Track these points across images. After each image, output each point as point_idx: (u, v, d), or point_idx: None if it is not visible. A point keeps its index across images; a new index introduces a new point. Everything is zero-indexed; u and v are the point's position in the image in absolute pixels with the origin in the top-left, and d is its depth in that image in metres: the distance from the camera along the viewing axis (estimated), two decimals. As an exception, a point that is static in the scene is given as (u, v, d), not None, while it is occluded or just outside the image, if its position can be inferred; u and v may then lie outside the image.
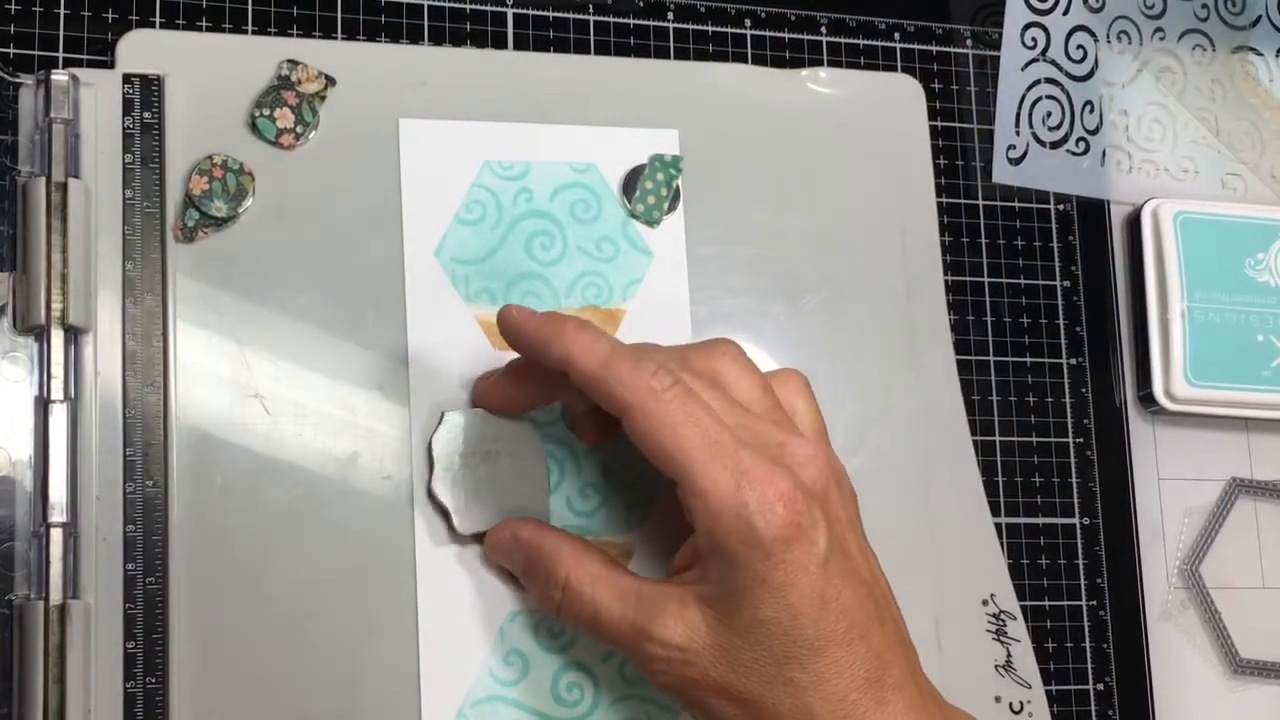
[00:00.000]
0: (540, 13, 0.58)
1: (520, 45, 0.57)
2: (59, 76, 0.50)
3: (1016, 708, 0.55)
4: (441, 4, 0.57)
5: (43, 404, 0.48)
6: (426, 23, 0.56)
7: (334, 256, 0.52)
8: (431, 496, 0.51)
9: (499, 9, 0.57)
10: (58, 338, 0.48)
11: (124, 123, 0.51)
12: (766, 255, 0.56)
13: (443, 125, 0.54)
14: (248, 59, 0.53)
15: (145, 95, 0.51)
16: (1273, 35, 0.66)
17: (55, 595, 0.46)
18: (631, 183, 0.55)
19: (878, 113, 0.59)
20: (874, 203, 0.58)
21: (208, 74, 0.52)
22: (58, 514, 0.47)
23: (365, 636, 0.50)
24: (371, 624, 0.50)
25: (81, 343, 0.49)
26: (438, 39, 0.56)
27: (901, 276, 0.58)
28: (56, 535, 0.47)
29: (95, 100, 0.50)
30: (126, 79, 0.51)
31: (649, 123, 0.56)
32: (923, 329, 0.58)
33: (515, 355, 0.50)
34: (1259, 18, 0.66)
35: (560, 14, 0.58)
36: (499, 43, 0.57)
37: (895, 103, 0.60)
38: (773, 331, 0.56)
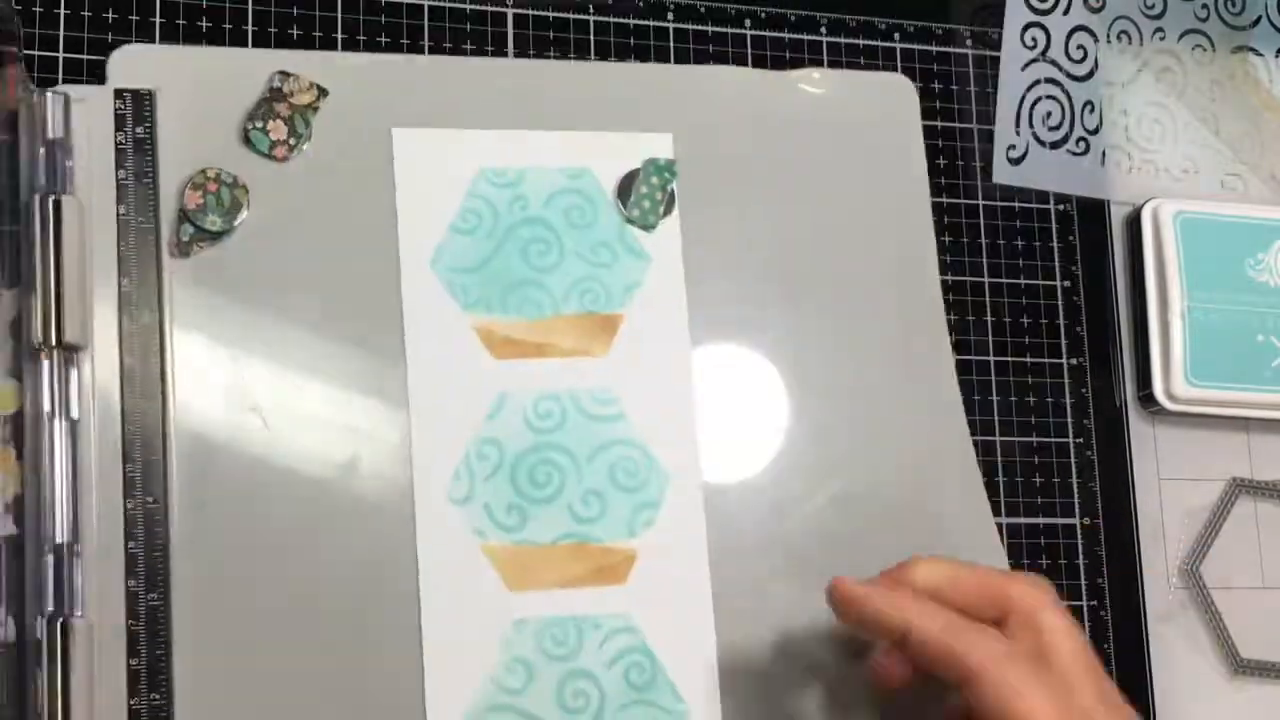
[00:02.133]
0: (540, 13, 0.57)
1: (520, 45, 0.57)
2: (51, 95, 0.49)
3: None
4: (441, 4, 0.56)
5: (42, 422, 0.47)
6: (426, 23, 0.56)
7: (330, 267, 0.52)
8: None
9: (499, 9, 0.57)
10: (55, 356, 0.48)
11: (116, 138, 0.50)
12: (763, 257, 0.56)
13: (436, 134, 0.54)
14: (239, 72, 0.52)
15: (137, 110, 0.51)
16: (1273, 35, 0.66)
17: (58, 613, 0.46)
18: (626, 187, 0.55)
19: (871, 112, 0.59)
20: (869, 202, 0.58)
21: (199, 87, 0.52)
22: (59, 532, 0.47)
23: (369, 647, 0.49)
24: (375, 634, 0.49)
25: (79, 360, 0.48)
26: (438, 39, 0.56)
27: (898, 276, 0.58)
28: (58, 553, 0.46)
29: (88, 116, 0.50)
30: (118, 94, 0.51)
31: (642, 127, 0.56)
32: (920, 327, 0.57)
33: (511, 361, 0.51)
34: (1259, 18, 0.66)
35: (560, 14, 0.57)
36: (499, 43, 0.56)
37: (888, 102, 0.59)
38: (770, 333, 0.56)
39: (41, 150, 0.49)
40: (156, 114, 0.51)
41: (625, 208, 0.55)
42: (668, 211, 0.55)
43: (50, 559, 0.46)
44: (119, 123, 0.50)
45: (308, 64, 0.53)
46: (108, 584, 0.47)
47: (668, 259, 0.55)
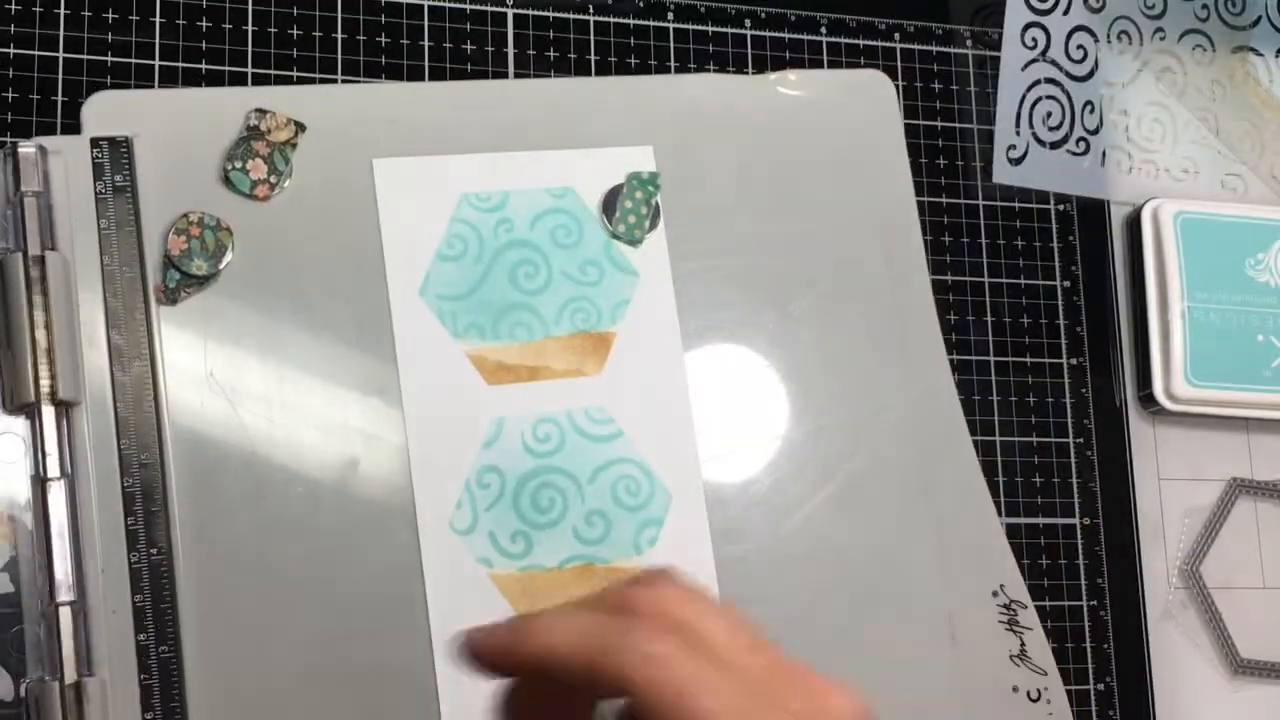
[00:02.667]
0: (540, 13, 0.57)
1: (520, 45, 0.57)
2: (26, 148, 0.48)
3: (1034, 695, 0.55)
4: (441, 4, 0.56)
5: (40, 482, 0.47)
6: (426, 23, 0.56)
7: (319, 304, 0.51)
8: None
9: (499, 9, 0.57)
10: (49, 414, 0.47)
11: (96, 188, 0.49)
12: (751, 264, 0.56)
13: (417, 162, 0.53)
14: (215, 112, 0.52)
15: (115, 158, 0.50)
16: (1273, 35, 0.66)
17: (70, 674, 0.46)
18: (610, 203, 0.55)
19: (850, 111, 0.58)
20: (853, 201, 0.58)
21: (176, 131, 0.51)
22: (65, 592, 0.46)
23: (383, 685, 0.49)
24: (388, 671, 0.49)
25: (74, 416, 0.48)
26: (438, 39, 0.56)
27: (887, 274, 0.57)
28: (65, 613, 0.46)
29: (65, 168, 0.49)
30: (94, 143, 0.50)
31: (623, 141, 0.55)
32: (911, 324, 0.57)
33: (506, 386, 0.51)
34: (1259, 18, 0.66)
35: (560, 14, 0.57)
36: (499, 42, 0.56)
37: (867, 100, 0.59)
38: (764, 340, 0.55)
39: (20, 207, 0.48)
40: (135, 160, 0.50)
41: (610, 224, 0.54)
42: (653, 225, 0.55)
43: (58, 620, 0.46)
44: (97, 172, 0.49)
45: (283, 100, 0.52)
46: (118, 640, 0.47)
47: (656, 272, 0.55)
